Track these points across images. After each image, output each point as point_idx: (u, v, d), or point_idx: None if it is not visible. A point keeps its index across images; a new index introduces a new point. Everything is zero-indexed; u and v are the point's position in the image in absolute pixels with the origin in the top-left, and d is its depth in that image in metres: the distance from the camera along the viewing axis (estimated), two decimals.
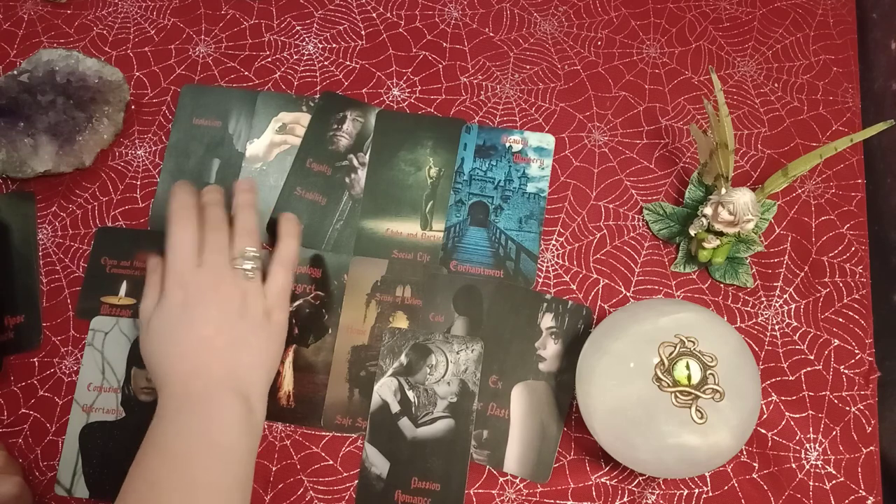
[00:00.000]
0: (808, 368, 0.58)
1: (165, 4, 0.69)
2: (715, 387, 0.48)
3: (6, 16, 0.68)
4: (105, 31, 0.68)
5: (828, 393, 0.57)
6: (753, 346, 0.58)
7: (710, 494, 0.55)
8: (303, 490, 0.55)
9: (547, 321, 0.58)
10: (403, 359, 0.57)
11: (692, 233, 0.57)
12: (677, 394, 0.48)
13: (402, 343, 0.58)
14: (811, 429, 0.56)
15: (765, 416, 0.56)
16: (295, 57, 0.67)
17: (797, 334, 0.59)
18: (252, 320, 0.49)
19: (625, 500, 0.55)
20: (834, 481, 0.55)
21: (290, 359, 0.57)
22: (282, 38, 0.68)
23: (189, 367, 0.47)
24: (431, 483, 0.55)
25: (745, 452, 0.56)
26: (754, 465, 0.55)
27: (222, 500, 0.44)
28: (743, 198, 0.53)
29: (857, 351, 0.58)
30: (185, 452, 0.44)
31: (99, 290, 0.59)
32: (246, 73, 0.66)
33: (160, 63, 0.67)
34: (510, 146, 0.64)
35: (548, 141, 0.64)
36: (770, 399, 0.57)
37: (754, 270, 0.60)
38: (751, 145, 0.64)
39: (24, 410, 0.57)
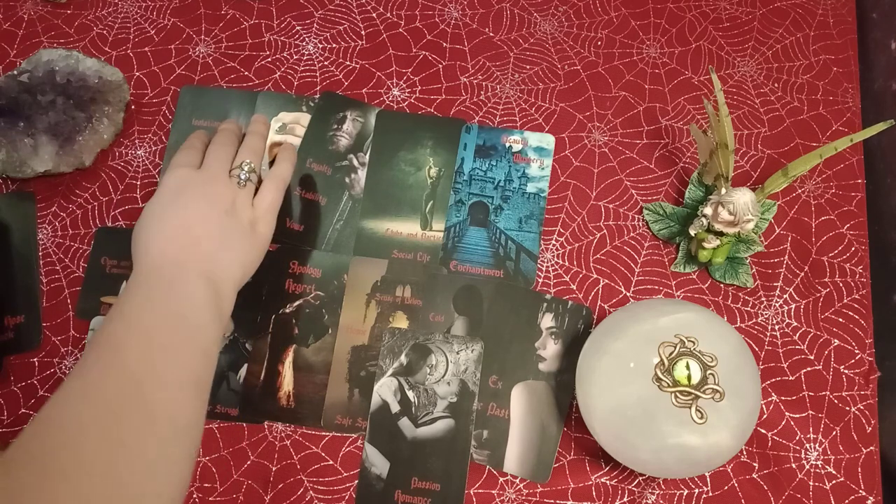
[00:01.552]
0: (808, 368, 0.58)
1: (165, 4, 0.69)
2: (715, 387, 0.48)
3: (6, 16, 0.68)
4: (105, 31, 0.68)
5: (828, 393, 0.57)
6: (753, 346, 0.58)
7: (710, 494, 0.55)
8: (303, 490, 0.55)
9: (547, 321, 0.58)
10: (403, 359, 0.57)
11: (692, 233, 0.57)
12: (677, 394, 0.48)
13: (402, 343, 0.58)
14: (811, 429, 0.56)
15: (765, 416, 0.56)
16: (295, 57, 0.67)
17: (797, 334, 0.59)
18: (236, 223, 0.50)
19: (625, 500, 0.55)
20: (834, 481, 0.55)
21: (290, 359, 0.58)
22: (282, 38, 0.68)
23: (167, 249, 0.48)
24: (431, 483, 0.55)
25: (745, 452, 0.56)
26: (754, 465, 0.55)
27: (182, 369, 0.43)
28: (743, 198, 0.53)
29: (857, 351, 0.58)
30: (150, 320, 0.44)
31: (99, 290, 0.59)
32: (246, 73, 0.66)
33: (160, 63, 0.67)
34: (510, 146, 0.64)
35: (548, 141, 0.64)
36: (770, 399, 0.57)
37: (754, 270, 0.60)
38: (751, 145, 0.64)
39: (24, 410, 0.57)
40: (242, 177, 0.52)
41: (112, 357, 0.42)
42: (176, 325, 0.45)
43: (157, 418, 0.41)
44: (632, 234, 0.62)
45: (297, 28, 0.68)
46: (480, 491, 0.55)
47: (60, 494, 0.35)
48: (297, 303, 0.59)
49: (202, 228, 0.49)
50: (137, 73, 0.66)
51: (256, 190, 0.54)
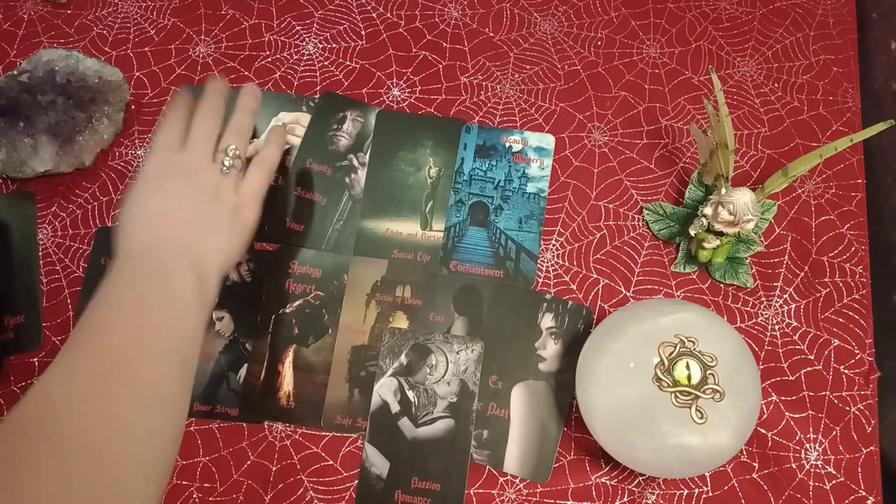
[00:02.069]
0: (808, 368, 0.58)
1: (165, 4, 0.69)
2: (715, 387, 0.48)
3: (6, 16, 0.68)
4: (105, 31, 0.68)
5: (828, 393, 0.57)
6: (753, 346, 0.58)
7: (710, 494, 0.55)
8: (303, 490, 0.55)
9: (547, 321, 0.58)
10: (403, 359, 0.57)
11: (692, 233, 0.57)
12: (677, 394, 0.48)
13: (402, 343, 0.58)
14: (811, 429, 0.56)
15: (765, 416, 0.56)
16: (295, 57, 0.67)
17: (797, 334, 0.59)
18: (220, 209, 0.50)
19: (625, 500, 0.55)
20: (834, 481, 0.55)
21: (290, 359, 0.58)
22: (282, 38, 0.68)
23: (150, 236, 0.47)
24: (431, 483, 0.55)
25: (745, 452, 0.56)
26: (754, 465, 0.55)
27: (168, 349, 0.44)
28: (743, 198, 0.53)
29: (857, 351, 0.58)
30: (135, 302, 0.44)
31: None
32: (246, 73, 0.66)
33: (160, 63, 0.67)
34: (510, 146, 0.64)
35: (548, 141, 0.64)
36: (770, 399, 0.57)
37: (754, 270, 0.60)
38: (751, 145, 0.64)
39: None
40: (227, 163, 0.51)
41: (98, 339, 0.43)
42: (160, 307, 0.45)
43: (141, 392, 0.41)
44: (632, 234, 0.62)
45: (297, 28, 0.68)
46: (480, 491, 0.55)
47: (43, 457, 0.37)
48: (297, 303, 0.59)
49: (185, 215, 0.48)
50: (137, 73, 0.66)
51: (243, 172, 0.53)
